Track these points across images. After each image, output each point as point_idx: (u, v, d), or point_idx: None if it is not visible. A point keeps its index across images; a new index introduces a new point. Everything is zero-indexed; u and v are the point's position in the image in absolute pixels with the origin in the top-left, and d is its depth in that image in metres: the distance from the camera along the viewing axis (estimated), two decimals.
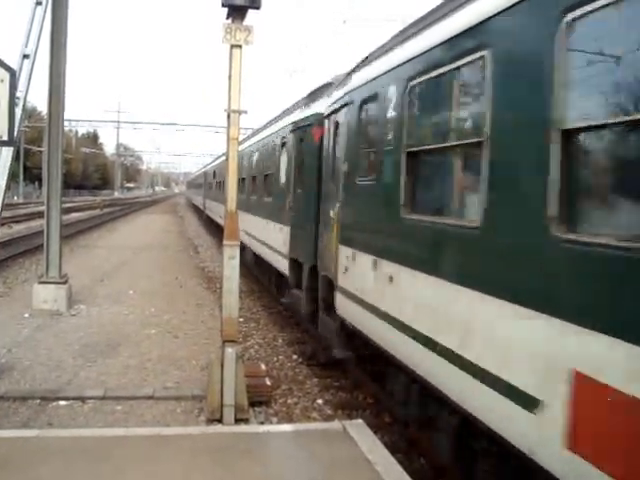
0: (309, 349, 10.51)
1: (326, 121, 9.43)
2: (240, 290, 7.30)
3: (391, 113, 6.42)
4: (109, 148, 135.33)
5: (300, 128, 11.14)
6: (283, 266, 12.01)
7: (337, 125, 8.71)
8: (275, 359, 10.31)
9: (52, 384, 7.69)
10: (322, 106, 9.99)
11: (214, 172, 33.76)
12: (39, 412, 6.84)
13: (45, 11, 10.34)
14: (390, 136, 6.43)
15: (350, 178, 7.78)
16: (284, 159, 12.61)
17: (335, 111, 8.84)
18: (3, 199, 8.76)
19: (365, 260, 7.03)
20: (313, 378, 9.36)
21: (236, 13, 6.52)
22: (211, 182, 35.67)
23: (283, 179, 12.58)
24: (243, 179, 18.50)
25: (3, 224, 28.84)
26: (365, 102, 7.40)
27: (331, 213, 8.65)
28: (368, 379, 8.54)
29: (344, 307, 7.97)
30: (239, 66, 6.62)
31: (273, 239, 13.16)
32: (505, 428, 4.18)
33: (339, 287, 8.10)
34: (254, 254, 16.67)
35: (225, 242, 6.71)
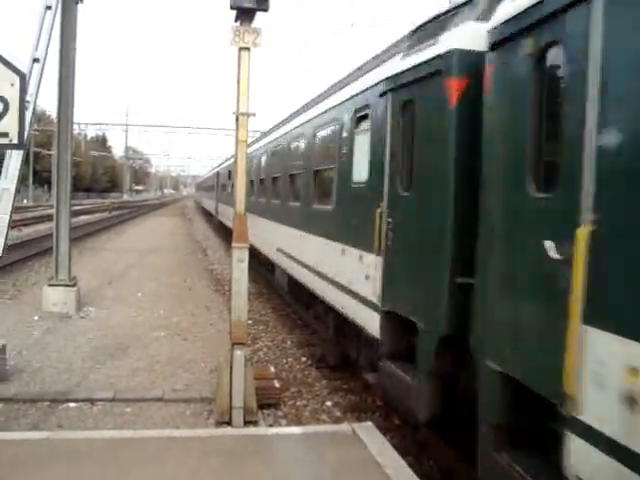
0: (318, 351, 10.48)
1: (490, 57, 4.99)
2: (249, 292, 7.31)
3: None
4: (118, 151, 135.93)
5: (407, 85, 6.56)
6: (365, 318, 7.50)
7: (542, 56, 4.26)
8: (284, 361, 10.29)
9: (62, 386, 7.72)
10: (459, 39, 5.62)
11: (229, 172, 29.06)
12: (49, 414, 6.86)
13: (55, 15, 10.38)
14: None
15: None
16: (362, 143, 7.96)
17: (530, 27, 4.30)
18: (13, 202, 8.79)
19: None
20: (322, 380, 9.34)
21: (244, 15, 6.54)
22: (225, 184, 31.74)
23: (361, 175, 7.93)
24: (274, 179, 14.44)
25: (13, 227, 28.94)
26: None
27: (549, 250, 3.98)
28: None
29: None
30: (247, 68, 6.63)
31: (338, 269, 8.67)
32: None
33: (597, 435, 3.46)
34: (291, 280, 12.45)
35: (234, 244, 6.72)
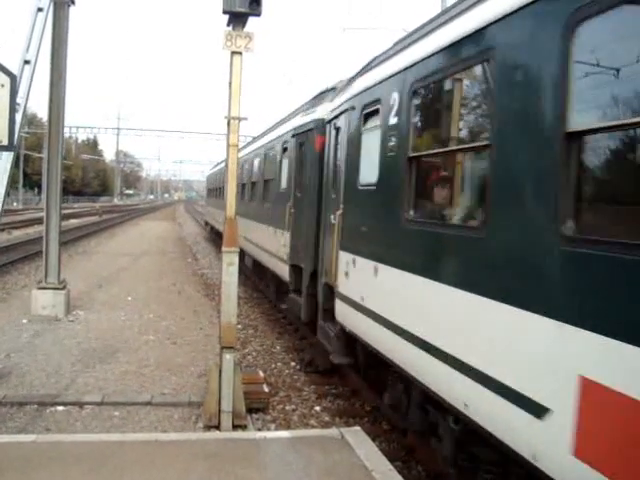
0: (307, 356, 10.48)
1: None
2: (239, 297, 7.30)
3: None
4: (109, 154, 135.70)
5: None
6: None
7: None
8: (273, 366, 10.29)
9: (50, 389, 7.67)
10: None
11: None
12: (36, 417, 6.83)
13: (46, 17, 10.37)
14: None
15: None
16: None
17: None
18: (3, 205, 8.75)
19: None
20: (311, 385, 9.34)
21: (237, 20, 6.55)
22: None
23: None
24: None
25: (2, 230, 28.85)
26: None
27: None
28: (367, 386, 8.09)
29: None
30: (239, 73, 6.64)
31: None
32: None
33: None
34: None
35: (224, 248, 6.71)
